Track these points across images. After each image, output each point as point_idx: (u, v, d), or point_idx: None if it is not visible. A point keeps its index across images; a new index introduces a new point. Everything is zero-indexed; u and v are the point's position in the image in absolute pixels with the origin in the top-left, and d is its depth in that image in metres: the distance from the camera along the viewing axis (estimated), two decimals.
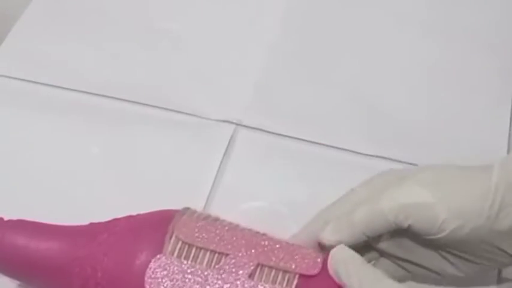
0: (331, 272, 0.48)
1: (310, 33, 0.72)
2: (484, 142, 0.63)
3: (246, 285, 0.47)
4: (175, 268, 0.47)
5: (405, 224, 0.47)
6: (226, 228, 0.50)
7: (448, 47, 0.71)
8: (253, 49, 0.70)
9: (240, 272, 0.47)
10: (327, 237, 0.49)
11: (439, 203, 0.46)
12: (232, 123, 0.65)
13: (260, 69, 0.69)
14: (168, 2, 0.74)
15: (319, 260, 0.49)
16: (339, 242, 0.48)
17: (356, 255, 0.47)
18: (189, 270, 0.47)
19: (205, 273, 0.47)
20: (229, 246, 0.48)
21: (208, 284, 0.47)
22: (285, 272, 0.48)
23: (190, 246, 0.48)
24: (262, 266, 0.48)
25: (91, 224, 0.52)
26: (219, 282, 0.47)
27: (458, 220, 0.46)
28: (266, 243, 0.49)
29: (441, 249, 0.49)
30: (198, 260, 0.48)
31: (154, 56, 0.70)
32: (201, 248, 0.48)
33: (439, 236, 0.47)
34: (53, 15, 0.74)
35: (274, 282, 0.47)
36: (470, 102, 0.66)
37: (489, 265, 0.49)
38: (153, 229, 0.50)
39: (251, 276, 0.47)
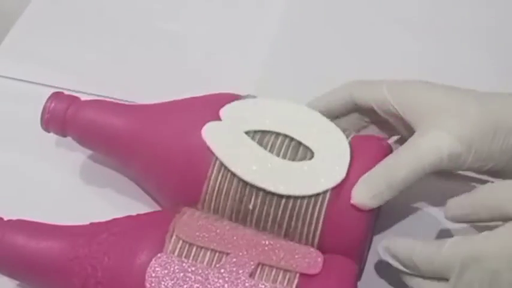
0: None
1: (310, 33, 0.72)
2: None
3: (246, 285, 0.47)
4: (176, 267, 0.47)
5: (435, 171, 0.51)
6: (227, 227, 0.50)
7: (447, 47, 0.71)
8: (253, 48, 0.70)
9: (241, 271, 0.47)
10: (367, 202, 0.50)
11: (466, 151, 0.51)
12: None
13: (260, 69, 0.69)
14: (168, 1, 0.74)
15: (319, 259, 0.49)
16: (378, 204, 0.51)
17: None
18: (189, 269, 0.47)
19: (206, 272, 0.47)
20: (230, 246, 0.48)
21: (209, 283, 0.47)
22: (286, 271, 0.48)
23: (191, 245, 0.48)
24: (263, 265, 0.48)
25: (91, 224, 0.52)
26: (220, 281, 0.47)
27: (482, 161, 0.51)
28: (267, 242, 0.49)
29: None
30: (199, 259, 0.48)
31: (154, 56, 0.70)
32: (201, 247, 0.48)
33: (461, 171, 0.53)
34: (52, 15, 0.74)
35: (274, 281, 0.47)
36: None
37: None
38: (154, 228, 0.50)
39: (252, 275, 0.47)
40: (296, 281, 0.47)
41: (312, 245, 0.51)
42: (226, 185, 0.52)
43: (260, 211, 0.52)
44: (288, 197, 0.51)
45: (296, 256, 0.48)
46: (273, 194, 0.51)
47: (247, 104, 0.55)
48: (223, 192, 0.52)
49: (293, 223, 0.51)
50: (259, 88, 0.67)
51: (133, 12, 0.74)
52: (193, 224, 0.49)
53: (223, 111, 0.54)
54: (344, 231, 0.51)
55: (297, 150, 0.53)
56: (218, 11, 0.74)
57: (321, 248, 0.51)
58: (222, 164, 0.52)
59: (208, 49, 0.71)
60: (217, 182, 0.52)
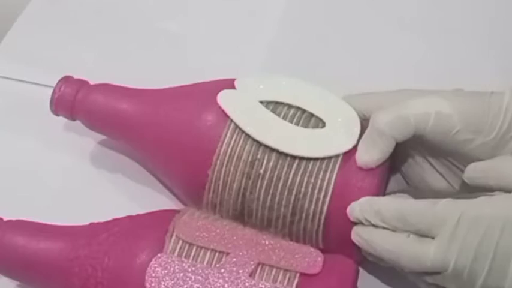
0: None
1: (310, 34, 0.72)
2: None
3: (246, 284, 0.47)
4: (176, 267, 0.47)
5: (424, 131, 0.51)
6: (227, 227, 0.50)
7: (447, 47, 0.71)
8: (253, 48, 0.70)
9: (241, 271, 0.47)
10: (365, 158, 0.51)
11: (456, 114, 0.50)
12: None
13: (260, 68, 0.69)
14: (168, 1, 0.74)
15: (319, 259, 0.49)
16: (379, 159, 0.51)
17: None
18: (189, 269, 0.47)
19: (206, 272, 0.47)
20: (230, 245, 0.48)
21: (209, 283, 0.47)
22: (286, 271, 0.48)
23: (191, 245, 0.48)
24: (263, 265, 0.48)
25: (91, 224, 0.52)
26: (220, 281, 0.47)
27: (471, 133, 0.50)
28: (267, 242, 0.49)
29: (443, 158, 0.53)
30: (199, 259, 0.48)
31: (153, 55, 0.70)
32: (201, 247, 0.48)
33: (450, 145, 0.51)
34: (52, 15, 0.74)
35: (275, 281, 0.47)
36: None
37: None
38: (154, 228, 0.50)
39: (252, 275, 0.47)
40: (296, 280, 0.48)
41: (320, 213, 0.51)
42: (238, 148, 0.52)
43: (271, 176, 0.52)
44: (300, 160, 0.52)
45: (296, 256, 0.49)
46: (285, 156, 0.52)
47: (261, 77, 0.56)
48: (235, 156, 0.52)
49: (303, 189, 0.52)
50: None
51: (133, 12, 0.74)
52: (193, 224, 0.50)
53: (237, 82, 0.55)
54: (353, 200, 0.51)
55: (309, 120, 0.54)
56: (218, 10, 0.74)
57: (328, 218, 0.51)
58: (235, 129, 0.53)
59: (208, 49, 0.71)
60: (230, 146, 0.52)
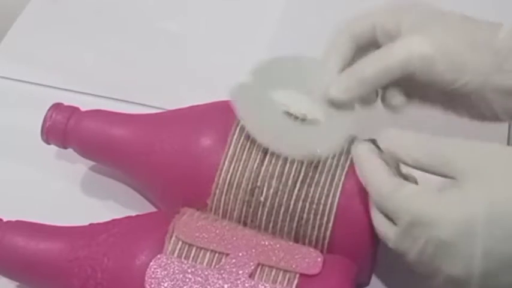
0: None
1: (309, 33, 0.72)
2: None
3: (246, 285, 0.47)
4: (176, 268, 0.47)
5: (410, 76, 0.51)
6: (227, 228, 0.50)
7: None
8: (253, 48, 0.70)
9: (241, 271, 0.47)
10: (338, 96, 0.52)
11: (438, 54, 0.50)
12: None
13: None
14: (167, 1, 0.74)
15: (319, 259, 0.49)
16: (350, 99, 0.52)
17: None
18: (189, 270, 0.47)
19: (206, 273, 0.47)
20: (230, 246, 0.48)
21: (209, 284, 0.47)
22: (286, 271, 0.48)
23: (190, 246, 0.48)
24: (263, 265, 0.48)
25: (90, 224, 0.52)
26: (220, 282, 0.47)
27: (455, 72, 0.50)
28: (266, 243, 0.49)
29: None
30: (199, 260, 0.48)
31: (153, 55, 0.70)
32: (201, 248, 0.48)
33: (437, 85, 0.51)
34: (52, 15, 0.74)
35: (274, 281, 0.47)
36: None
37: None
38: (153, 229, 0.50)
39: (251, 275, 0.47)
40: (296, 281, 0.47)
41: (324, 239, 0.51)
42: (237, 176, 0.52)
43: (272, 203, 0.51)
44: (301, 186, 0.51)
45: (296, 256, 0.48)
46: (285, 182, 0.51)
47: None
48: (235, 184, 0.52)
49: (305, 215, 0.51)
50: None
51: (133, 12, 0.74)
52: (192, 225, 0.50)
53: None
54: (356, 225, 0.50)
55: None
56: (218, 10, 0.74)
57: (332, 243, 0.51)
58: (233, 155, 0.52)
59: (208, 49, 0.71)
60: (229, 174, 0.52)
